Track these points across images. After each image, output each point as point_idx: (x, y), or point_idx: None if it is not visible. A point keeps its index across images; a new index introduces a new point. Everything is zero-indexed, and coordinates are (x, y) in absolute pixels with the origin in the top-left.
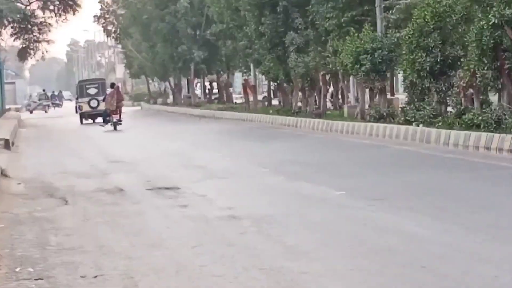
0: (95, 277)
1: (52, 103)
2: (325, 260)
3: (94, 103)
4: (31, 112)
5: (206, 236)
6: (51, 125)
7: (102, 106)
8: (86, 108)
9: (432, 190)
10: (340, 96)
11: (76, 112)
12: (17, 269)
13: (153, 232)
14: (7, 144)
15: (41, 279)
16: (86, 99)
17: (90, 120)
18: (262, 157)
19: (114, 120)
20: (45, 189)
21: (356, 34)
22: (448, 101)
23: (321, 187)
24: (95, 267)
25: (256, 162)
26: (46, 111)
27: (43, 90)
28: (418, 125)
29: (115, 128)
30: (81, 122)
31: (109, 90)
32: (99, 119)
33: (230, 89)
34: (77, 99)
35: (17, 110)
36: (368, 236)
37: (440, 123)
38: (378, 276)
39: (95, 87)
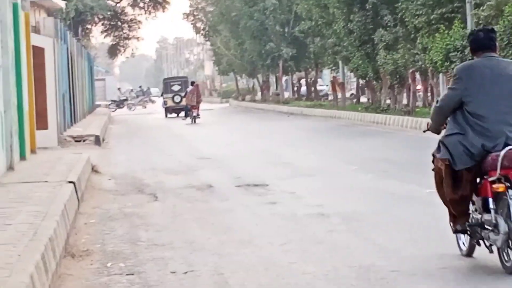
0: (185, 273)
1: (149, 99)
2: (415, 258)
3: (177, 98)
4: (130, 109)
5: (295, 233)
6: (139, 121)
7: (184, 102)
8: (170, 103)
9: None
10: (429, 94)
11: (162, 107)
12: (109, 264)
13: (242, 229)
14: (97, 141)
15: (132, 274)
16: (171, 95)
17: (174, 114)
18: (351, 155)
19: (194, 115)
20: (135, 185)
21: (446, 31)
22: None
23: (410, 185)
24: (185, 263)
25: (345, 160)
26: (145, 107)
27: (140, 87)
28: None
29: (194, 122)
30: (166, 115)
31: (189, 88)
32: (182, 114)
33: (323, 86)
34: (162, 95)
35: (107, 106)
36: None
37: None
38: (469, 276)
39: (178, 84)
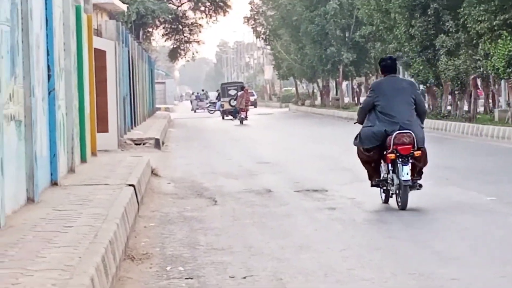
0: (244, 277)
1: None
2: (475, 266)
3: (233, 102)
4: (195, 111)
5: (354, 239)
6: (198, 124)
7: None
8: (227, 106)
9: None
10: (491, 100)
11: (219, 110)
12: (168, 268)
13: (301, 234)
14: (157, 144)
15: (191, 278)
16: (227, 99)
17: (230, 117)
18: None
19: (242, 116)
20: (195, 189)
21: (509, 38)
22: None
23: (471, 192)
24: (244, 267)
25: None
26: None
27: (202, 90)
28: None
29: (241, 123)
30: (223, 118)
31: (240, 92)
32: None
33: None
34: (218, 99)
35: (167, 109)
36: None
37: None
38: None
39: (234, 89)
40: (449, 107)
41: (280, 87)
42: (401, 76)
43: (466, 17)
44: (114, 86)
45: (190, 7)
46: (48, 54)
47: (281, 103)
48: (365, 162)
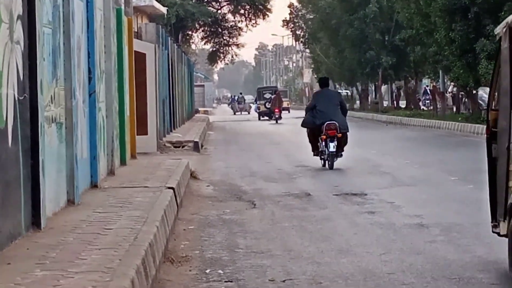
0: (284, 281)
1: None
2: None
3: (268, 104)
4: (235, 113)
5: (394, 243)
6: (236, 127)
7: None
8: (262, 108)
9: None
10: None
11: (256, 111)
12: (207, 271)
13: (340, 238)
14: (196, 147)
15: (231, 281)
16: (263, 101)
17: (266, 117)
18: (451, 165)
19: (276, 116)
20: (234, 192)
21: None
22: None
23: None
24: (283, 271)
25: (445, 170)
26: (249, 112)
27: (240, 93)
28: None
29: (276, 122)
30: (259, 118)
31: (273, 96)
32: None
33: (426, 96)
34: (255, 101)
35: (206, 112)
36: None
37: None
38: None
39: (269, 93)
40: None
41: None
42: (441, 79)
43: None
44: (154, 89)
45: (229, 10)
46: (89, 57)
47: None
48: (310, 140)
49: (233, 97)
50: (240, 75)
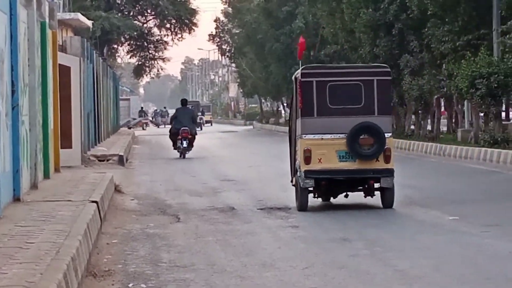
0: None
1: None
2: (437, 285)
3: None
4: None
5: (317, 257)
6: (162, 141)
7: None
8: None
9: None
10: (454, 120)
11: None
12: (130, 285)
13: (264, 252)
14: (121, 160)
15: None
16: None
17: None
18: None
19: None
20: (158, 206)
21: (472, 58)
22: None
23: (434, 212)
24: (206, 285)
25: None
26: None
27: (164, 107)
28: None
29: (201, 129)
30: None
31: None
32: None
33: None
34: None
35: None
36: (481, 262)
37: None
38: None
39: (192, 107)
40: (412, 127)
41: (245, 105)
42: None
43: (430, 37)
44: (78, 102)
45: (155, 24)
46: (12, 70)
47: (246, 121)
48: (172, 139)
49: (156, 110)
50: (166, 89)
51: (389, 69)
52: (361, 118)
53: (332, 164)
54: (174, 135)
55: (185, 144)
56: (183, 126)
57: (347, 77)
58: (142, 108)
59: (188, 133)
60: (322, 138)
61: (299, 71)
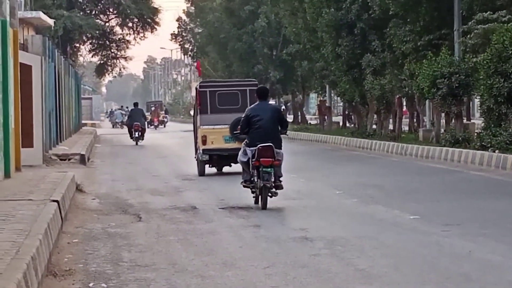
0: None
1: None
2: (397, 284)
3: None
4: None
5: (278, 257)
6: (124, 140)
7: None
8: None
9: (508, 217)
10: (415, 120)
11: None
12: (91, 284)
13: (225, 251)
14: (82, 160)
15: None
16: (148, 113)
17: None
18: (336, 179)
19: (155, 124)
20: (119, 205)
21: (433, 58)
22: None
23: (395, 211)
24: (167, 284)
25: (330, 184)
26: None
27: (122, 106)
28: (494, 151)
29: (156, 128)
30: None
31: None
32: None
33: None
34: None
35: (93, 125)
36: (441, 261)
37: None
38: None
39: (155, 106)
40: (374, 126)
41: None
42: (327, 94)
43: (392, 37)
44: (40, 101)
45: (117, 23)
46: None
47: None
48: (130, 132)
49: (111, 110)
50: (129, 88)
51: (256, 82)
52: (238, 114)
53: (220, 144)
54: (130, 128)
55: (137, 134)
56: (135, 122)
57: (229, 88)
58: (122, 106)
59: (139, 126)
60: (213, 128)
61: (198, 83)
